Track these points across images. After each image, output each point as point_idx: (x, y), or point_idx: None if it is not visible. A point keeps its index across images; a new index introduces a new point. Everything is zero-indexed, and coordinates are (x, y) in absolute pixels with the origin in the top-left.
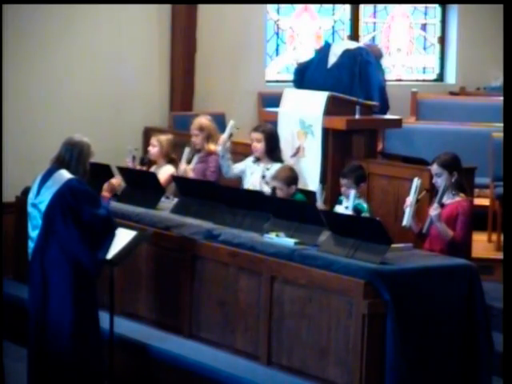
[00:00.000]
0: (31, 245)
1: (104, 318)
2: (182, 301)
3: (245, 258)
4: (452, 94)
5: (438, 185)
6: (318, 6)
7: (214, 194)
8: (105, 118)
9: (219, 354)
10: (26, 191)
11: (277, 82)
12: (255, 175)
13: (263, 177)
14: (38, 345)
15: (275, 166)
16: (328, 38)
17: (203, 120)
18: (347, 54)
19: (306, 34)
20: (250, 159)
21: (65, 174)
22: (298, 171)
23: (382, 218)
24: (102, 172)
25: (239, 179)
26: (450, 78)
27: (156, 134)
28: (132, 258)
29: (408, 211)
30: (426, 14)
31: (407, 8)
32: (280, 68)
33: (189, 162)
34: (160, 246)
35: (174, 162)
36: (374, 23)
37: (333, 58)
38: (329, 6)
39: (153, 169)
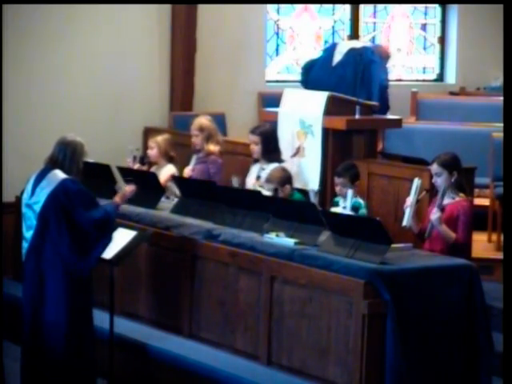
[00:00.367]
0: (25, 245)
1: (104, 317)
2: (182, 301)
3: (245, 258)
4: (452, 93)
5: (438, 184)
6: (318, 6)
7: (213, 194)
8: (105, 118)
9: (219, 354)
10: None
11: (277, 81)
12: (252, 176)
13: (258, 177)
14: (33, 344)
15: (271, 167)
16: (328, 38)
17: (203, 120)
18: (352, 53)
19: (306, 34)
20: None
21: (59, 175)
22: (298, 171)
23: (382, 218)
24: (102, 172)
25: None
26: (450, 77)
27: (153, 135)
28: (132, 258)
29: (408, 211)
30: (426, 14)
31: (407, 8)
32: (280, 68)
33: None
34: (160, 246)
35: (174, 160)
36: (374, 23)
37: (338, 57)
38: (329, 6)
39: (154, 169)
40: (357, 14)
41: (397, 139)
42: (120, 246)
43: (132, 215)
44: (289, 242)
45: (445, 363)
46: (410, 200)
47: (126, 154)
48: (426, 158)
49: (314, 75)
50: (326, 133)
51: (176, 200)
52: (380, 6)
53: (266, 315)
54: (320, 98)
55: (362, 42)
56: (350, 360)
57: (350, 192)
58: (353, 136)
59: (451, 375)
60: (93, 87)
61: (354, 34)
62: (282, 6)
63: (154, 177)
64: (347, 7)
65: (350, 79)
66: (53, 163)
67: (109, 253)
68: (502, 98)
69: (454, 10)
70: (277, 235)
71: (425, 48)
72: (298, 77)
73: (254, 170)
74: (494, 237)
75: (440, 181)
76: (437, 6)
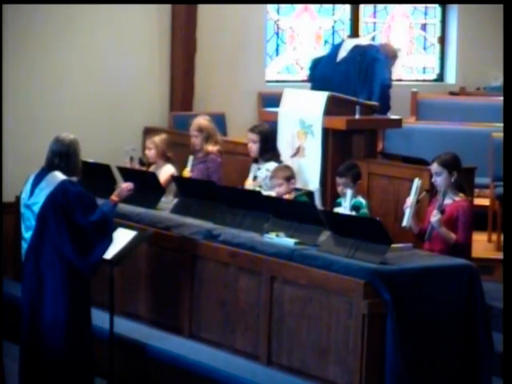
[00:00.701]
0: (24, 245)
1: (104, 317)
2: (181, 301)
3: (245, 257)
4: (452, 93)
5: (437, 184)
6: (318, 6)
7: (213, 194)
8: (105, 118)
9: (219, 354)
10: None
11: (277, 81)
12: (249, 176)
13: (254, 177)
14: (31, 344)
15: (267, 166)
16: (328, 38)
17: (202, 121)
18: (357, 50)
19: (305, 34)
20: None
21: (58, 176)
22: (298, 171)
23: (382, 218)
24: (102, 172)
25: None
26: (450, 77)
27: (150, 135)
28: (132, 258)
29: (408, 212)
30: (426, 14)
31: (407, 8)
32: (280, 68)
33: None
34: (160, 246)
35: (171, 160)
36: (374, 23)
37: (343, 53)
38: (329, 6)
39: (152, 169)
40: (357, 14)
41: (397, 139)
42: (120, 246)
43: (132, 215)
44: (289, 242)
45: (445, 363)
46: (410, 200)
47: (122, 155)
48: (426, 158)
49: (319, 71)
50: (326, 133)
51: (176, 200)
52: (380, 6)
53: (266, 315)
54: (320, 97)
55: (369, 39)
56: (350, 360)
57: (349, 192)
58: (353, 136)
59: (451, 375)
60: (93, 87)
61: (354, 34)
62: (282, 5)
63: (153, 177)
64: (347, 7)
65: (353, 76)
66: (50, 163)
67: (109, 253)
68: (501, 98)
69: (454, 10)
70: (277, 235)
71: (425, 48)
72: (299, 76)
73: (251, 170)
74: (494, 237)
75: (440, 180)
76: (437, 6)
